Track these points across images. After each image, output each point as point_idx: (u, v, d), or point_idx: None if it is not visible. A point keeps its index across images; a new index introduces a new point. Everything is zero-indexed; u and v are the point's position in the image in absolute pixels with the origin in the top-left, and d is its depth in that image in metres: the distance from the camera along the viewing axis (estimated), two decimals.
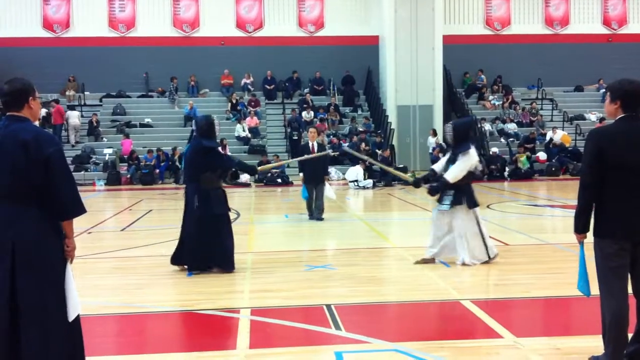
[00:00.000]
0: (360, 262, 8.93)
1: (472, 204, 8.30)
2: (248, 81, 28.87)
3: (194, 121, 8.37)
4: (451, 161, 8.36)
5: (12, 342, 4.05)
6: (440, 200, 8.38)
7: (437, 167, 8.67)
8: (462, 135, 8.36)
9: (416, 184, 8.99)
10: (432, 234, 8.55)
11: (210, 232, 8.07)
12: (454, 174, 8.19)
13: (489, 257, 8.38)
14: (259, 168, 10.19)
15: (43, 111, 24.09)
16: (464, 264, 8.25)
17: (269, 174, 22.41)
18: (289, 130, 26.16)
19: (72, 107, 27.12)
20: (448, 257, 8.45)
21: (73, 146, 25.71)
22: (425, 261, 8.50)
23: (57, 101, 26.34)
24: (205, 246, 8.06)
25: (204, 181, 8.13)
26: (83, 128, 26.53)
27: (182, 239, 8.30)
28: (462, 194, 8.23)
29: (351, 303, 6.73)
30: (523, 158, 24.39)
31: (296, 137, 24.87)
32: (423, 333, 5.78)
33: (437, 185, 8.43)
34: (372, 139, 25.52)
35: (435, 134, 25.75)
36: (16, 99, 4.21)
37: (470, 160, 8.24)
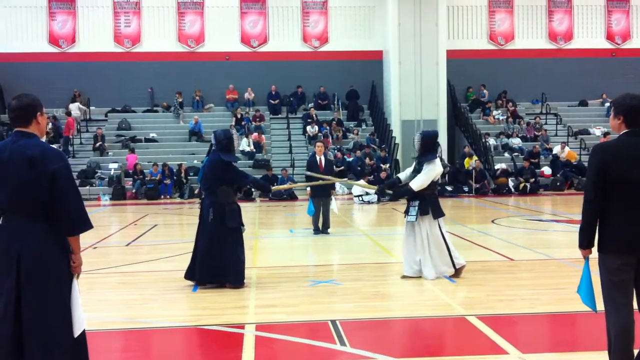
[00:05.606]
0: (366, 277, 8.91)
1: (438, 213, 8.50)
2: (250, 96, 28.97)
3: (213, 135, 8.50)
4: (416, 171, 8.60)
5: (15, 357, 4.04)
6: (407, 212, 8.60)
7: (403, 176, 8.92)
8: (429, 146, 8.58)
9: (381, 191, 9.34)
10: (405, 253, 8.66)
11: (223, 246, 8.12)
12: (419, 183, 8.42)
13: (455, 268, 8.51)
14: (273, 188, 10.28)
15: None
16: (427, 279, 8.35)
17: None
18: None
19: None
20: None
21: (73, 136, 26.43)
22: (405, 278, 8.57)
23: (69, 114, 26.58)
24: (217, 260, 8.09)
25: (221, 195, 8.22)
26: (83, 120, 27.55)
27: (195, 252, 8.33)
28: (427, 204, 8.44)
29: (356, 318, 6.72)
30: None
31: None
32: (428, 349, 5.77)
33: (400, 192, 8.89)
34: (377, 153, 25.52)
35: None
36: (24, 115, 4.23)
37: (434, 170, 8.49)
